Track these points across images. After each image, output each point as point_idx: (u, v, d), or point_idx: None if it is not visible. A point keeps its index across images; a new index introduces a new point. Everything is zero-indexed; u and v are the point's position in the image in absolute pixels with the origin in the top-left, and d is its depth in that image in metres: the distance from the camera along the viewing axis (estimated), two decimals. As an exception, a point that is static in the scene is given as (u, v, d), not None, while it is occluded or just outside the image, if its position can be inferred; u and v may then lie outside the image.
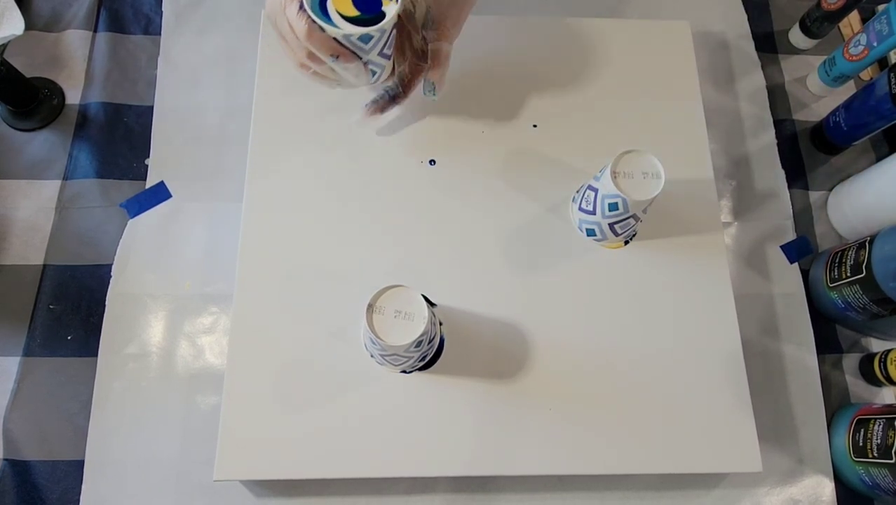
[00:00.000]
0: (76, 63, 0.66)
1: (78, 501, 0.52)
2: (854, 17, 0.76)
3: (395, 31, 0.47)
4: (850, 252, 0.58)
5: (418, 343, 0.46)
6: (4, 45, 0.56)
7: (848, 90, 0.71)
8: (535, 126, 0.61)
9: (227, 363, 0.51)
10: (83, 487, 0.53)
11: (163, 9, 0.69)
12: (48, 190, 0.62)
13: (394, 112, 0.57)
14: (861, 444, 0.54)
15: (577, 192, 0.58)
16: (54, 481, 0.53)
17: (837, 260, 0.60)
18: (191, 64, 0.67)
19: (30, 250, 0.59)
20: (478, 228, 0.57)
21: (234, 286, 0.53)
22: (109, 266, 0.59)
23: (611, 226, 0.54)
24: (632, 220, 0.53)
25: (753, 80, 0.71)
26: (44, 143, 0.63)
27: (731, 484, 0.56)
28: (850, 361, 0.62)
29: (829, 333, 0.63)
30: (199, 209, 0.61)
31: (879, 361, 0.59)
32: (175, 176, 0.63)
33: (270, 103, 0.59)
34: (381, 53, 0.47)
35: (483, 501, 0.54)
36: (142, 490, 0.53)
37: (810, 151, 0.70)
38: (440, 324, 0.53)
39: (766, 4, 0.76)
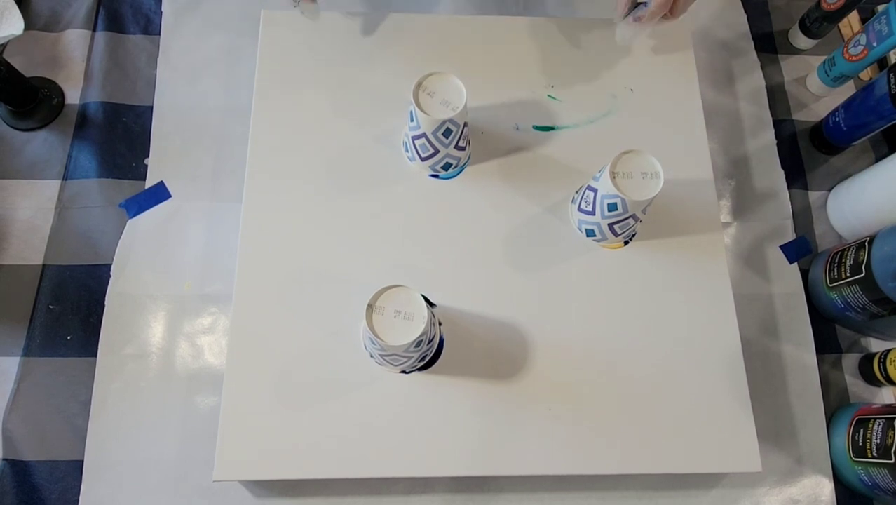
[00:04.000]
0: (75, 63, 0.66)
1: (77, 501, 0.52)
2: (853, 17, 0.76)
3: None
4: (849, 252, 0.58)
5: (418, 343, 0.46)
6: (4, 45, 0.56)
7: (847, 90, 0.71)
8: (535, 126, 0.61)
9: (227, 363, 0.51)
10: (82, 487, 0.53)
11: (162, 8, 0.69)
12: (47, 190, 0.62)
13: None
14: (860, 444, 0.54)
15: (577, 192, 0.58)
16: (53, 481, 0.53)
17: (837, 260, 0.60)
18: (190, 64, 0.67)
19: (29, 250, 0.59)
20: (477, 229, 0.57)
21: (234, 286, 0.53)
22: (109, 266, 0.59)
23: (610, 226, 0.54)
24: (631, 221, 0.53)
25: (753, 80, 0.72)
26: (43, 143, 0.63)
27: (731, 484, 0.56)
28: (850, 361, 0.62)
29: (828, 333, 0.63)
30: (199, 209, 0.61)
31: (879, 361, 0.59)
32: (174, 176, 0.63)
33: (270, 103, 0.59)
34: None
35: (482, 501, 0.54)
36: (141, 490, 0.53)
37: (810, 151, 0.70)
38: (440, 324, 0.53)
39: (765, 5, 0.76)
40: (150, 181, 0.62)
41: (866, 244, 0.56)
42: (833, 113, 0.67)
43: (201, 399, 0.55)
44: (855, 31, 0.72)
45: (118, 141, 0.64)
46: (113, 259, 0.59)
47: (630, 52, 0.64)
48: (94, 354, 0.56)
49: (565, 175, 0.59)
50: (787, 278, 0.64)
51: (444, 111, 0.51)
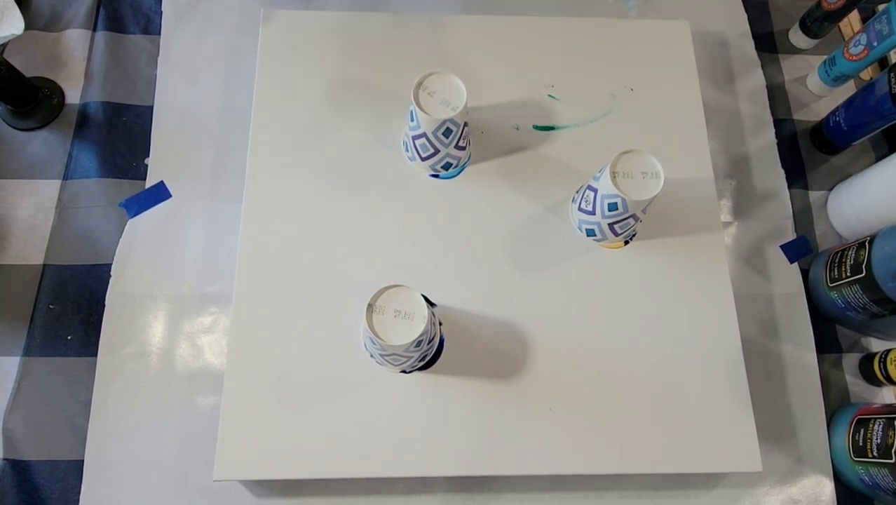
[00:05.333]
0: (76, 63, 0.66)
1: (77, 500, 0.52)
2: (854, 16, 0.76)
3: None
4: (849, 252, 0.58)
5: (418, 343, 0.46)
6: (4, 45, 0.56)
7: (848, 90, 0.71)
8: (535, 126, 0.61)
9: (227, 363, 0.51)
10: (83, 486, 0.53)
11: (162, 8, 0.69)
12: (48, 190, 0.62)
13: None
14: (861, 443, 0.54)
15: (577, 192, 0.58)
16: (54, 481, 0.53)
17: (837, 260, 0.60)
18: (190, 64, 0.67)
19: (29, 250, 0.59)
20: (477, 229, 0.57)
21: (234, 286, 0.53)
22: (109, 266, 0.59)
23: (610, 226, 0.54)
24: (631, 220, 0.53)
25: (753, 80, 0.71)
26: (43, 143, 0.63)
27: (731, 484, 0.56)
28: (850, 361, 0.62)
29: (828, 333, 0.63)
30: (199, 209, 0.61)
31: (879, 361, 0.59)
32: (175, 176, 0.63)
33: (270, 103, 0.59)
34: None
35: (482, 501, 0.54)
36: (141, 490, 0.53)
37: (810, 151, 0.70)
38: (440, 324, 0.53)
39: (766, 4, 0.76)
40: (150, 181, 0.62)
41: (867, 244, 0.56)
42: (833, 113, 0.67)
43: (201, 399, 0.55)
44: (855, 31, 0.72)
45: (118, 141, 0.64)
46: (113, 259, 0.59)
47: (630, 52, 0.64)
48: (95, 354, 0.56)
49: (565, 175, 0.59)
50: (788, 278, 0.64)
51: (444, 111, 0.51)
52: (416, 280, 0.49)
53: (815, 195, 0.68)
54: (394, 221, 0.56)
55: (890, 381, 0.58)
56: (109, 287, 0.58)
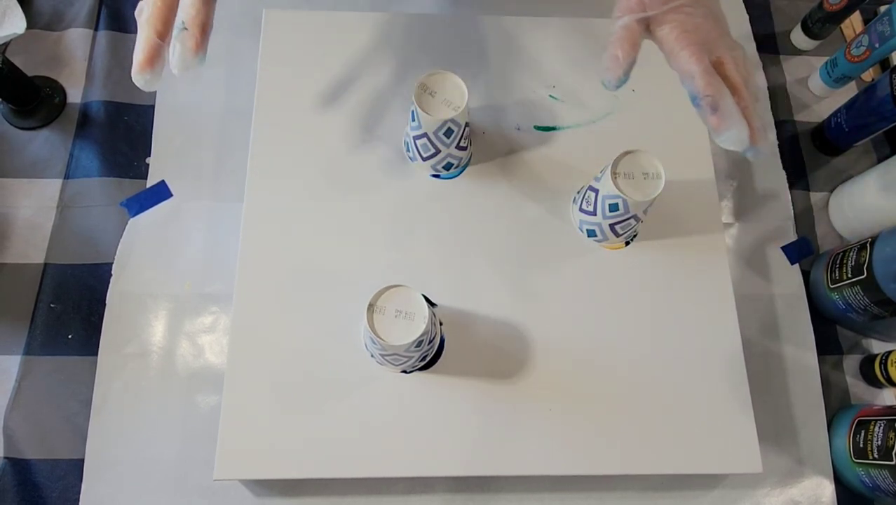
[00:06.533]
0: (77, 62, 0.66)
1: (77, 499, 0.53)
2: (856, 17, 0.75)
3: None
4: (850, 253, 0.58)
5: (418, 343, 0.46)
6: (6, 44, 0.56)
7: (849, 91, 0.70)
8: (536, 126, 0.61)
9: (227, 363, 0.51)
10: (83, 485, 0.53)
11: (164, 8, 0.69)
12: (49, 189, 0.62)
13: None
14: (861, 445, 0.54)
15: (578, 192, 0.57)
16: (54, 480, 0.53)
17: (838, 261, 0.60)
18: (192, 63, 0.67)
19: (30, 249, 0.59)
20: (478, 229, 0.57)
21: (234, 286, 0.53)
22: (110, 265, 0.59)
23: (611, 226, 0.54)
24: (632, 221, 0.53)
25: (754, 81, 0.71)
26: (45, 142, 0.63)
27: (731, 485, 0.56)
28: (851, 362, 0.62)
29: (829, 334, 0.63)
30: (200, 209, 0.61)
31: (880, 363, 0.59)
32: (176, 175, 0.63)
33: (271, 103, 0.59)
34: None
35: (482, 501, 0.54)
36: (142, 489, 0.53)
37: (811, 152, 0.70)
38: (440, 324, 0.53)
39: (767, 5, 0.76)
40: (151, 180, 0.62)
41: (868, 245, 0.56)
42: (835, 114, 0.67)
43: (202, 398, 0.55)
44: (857, 32, 0.72)
45: (120, 140, 0.64)
46: (114, 258, 0.59)
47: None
48: (95, 353, 0.56)
49: (566, 175, 0.59)
50: (789, 279, 0.64)
51: (445, 111, 0.51)
52: (416, 280, 0.49)
53: (816, 196, 0.68)
54: (394, 221, 0.56)
55: (891, 382, 0.58)
56: (110, 286, 0.58)
